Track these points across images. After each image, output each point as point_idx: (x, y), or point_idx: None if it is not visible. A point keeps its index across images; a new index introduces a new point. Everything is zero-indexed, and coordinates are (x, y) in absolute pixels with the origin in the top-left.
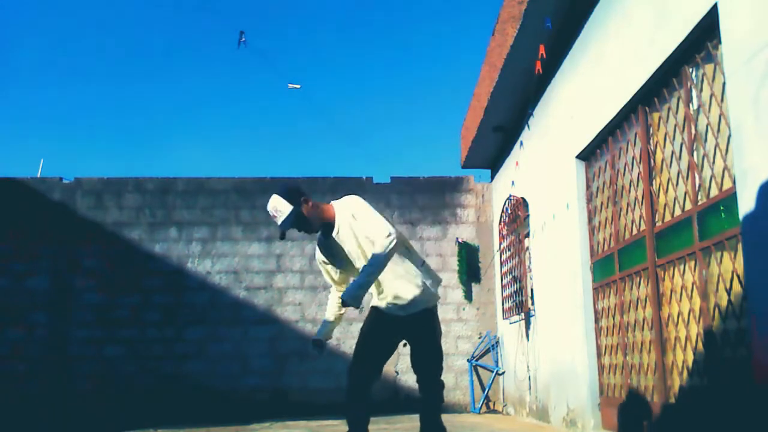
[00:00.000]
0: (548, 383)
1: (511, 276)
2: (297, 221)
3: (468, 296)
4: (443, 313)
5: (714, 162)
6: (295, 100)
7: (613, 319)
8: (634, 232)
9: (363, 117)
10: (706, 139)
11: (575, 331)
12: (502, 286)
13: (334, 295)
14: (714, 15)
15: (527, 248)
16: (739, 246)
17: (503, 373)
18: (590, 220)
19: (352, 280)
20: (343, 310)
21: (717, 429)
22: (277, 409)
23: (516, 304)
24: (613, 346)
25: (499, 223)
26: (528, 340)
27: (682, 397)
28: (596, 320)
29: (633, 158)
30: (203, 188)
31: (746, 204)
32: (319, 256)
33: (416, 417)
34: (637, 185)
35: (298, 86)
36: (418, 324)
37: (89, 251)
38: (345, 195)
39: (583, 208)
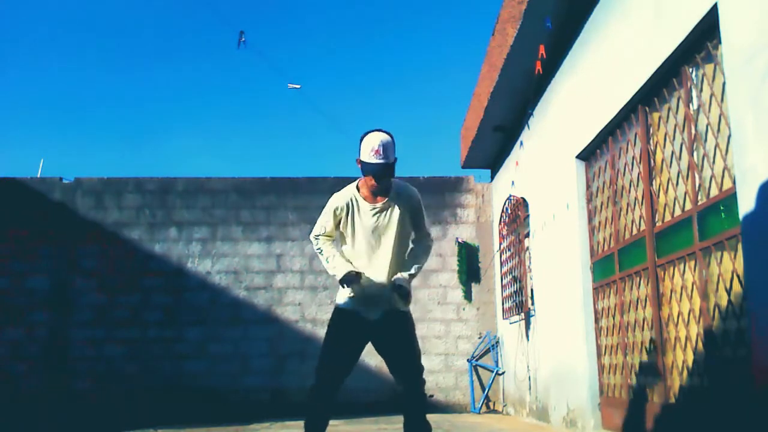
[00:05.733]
0: (548, 383)
1: (511, 276)
2: (391, 171)
3: (468, 296)
4: (443, 313)
5: (714, 162)
6: (295, 99)
7: (613, 319)
8: (634, 232)
9: (363, 117)
10: (706, 139)
11: (575, 331)
12: (502, 286)
13: (330, 244)
14: (714, 15)
15: (527, 248)
16: (739, 246)
17: (503, 373)
18: (590, 220)
19: (334, 245)
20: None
21: (717, 429)
22: (276, 409)
23: (516, 304)
24: (613, 346)
25: (499, 223)
26: (528, 340)
27: (682, 397)
28: (596, 320)
29: (633, 158)
30: (203, 188)
31: (746, 204)
32: (351, 208)
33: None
34: (637, 185)
35: (298, 86)
36: (400, 322)
37: (89, 251)
38: None
39: (583, 208)
